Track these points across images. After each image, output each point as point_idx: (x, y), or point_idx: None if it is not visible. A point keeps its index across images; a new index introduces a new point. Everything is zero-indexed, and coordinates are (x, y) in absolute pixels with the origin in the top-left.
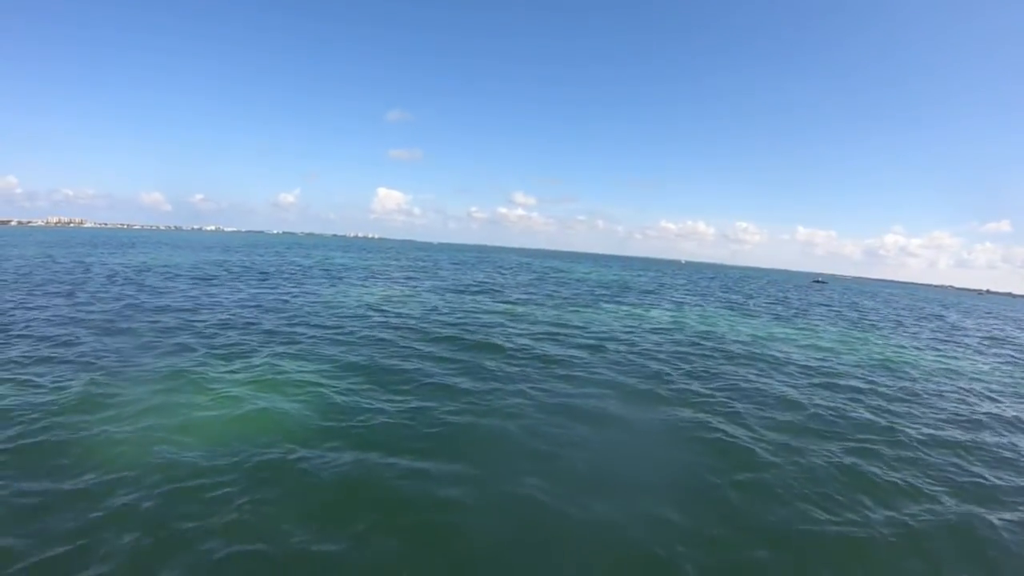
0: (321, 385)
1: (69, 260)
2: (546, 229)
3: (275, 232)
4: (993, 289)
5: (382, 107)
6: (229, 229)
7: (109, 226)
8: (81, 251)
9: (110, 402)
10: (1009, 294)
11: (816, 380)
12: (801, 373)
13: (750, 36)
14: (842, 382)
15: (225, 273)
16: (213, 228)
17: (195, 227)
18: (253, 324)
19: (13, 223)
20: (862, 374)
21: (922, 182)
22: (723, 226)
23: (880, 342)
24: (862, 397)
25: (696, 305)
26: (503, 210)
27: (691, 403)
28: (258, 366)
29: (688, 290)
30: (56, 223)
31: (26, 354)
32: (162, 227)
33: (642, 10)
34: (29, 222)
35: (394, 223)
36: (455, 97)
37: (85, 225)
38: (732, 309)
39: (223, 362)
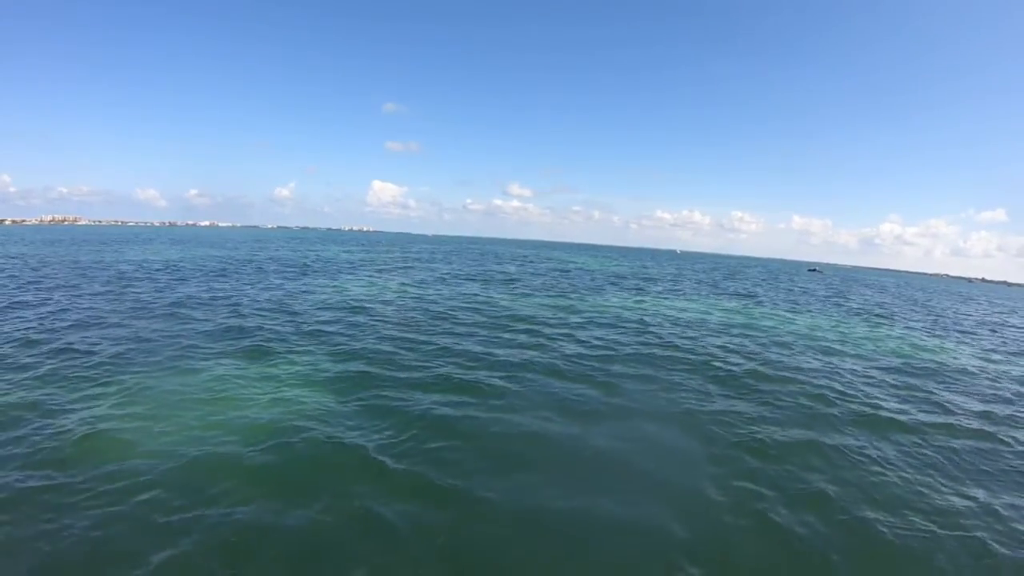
0: (370, 375)
1: (89, 259)
2: (542, 220)
3: (270, 227)
4: (988, 277)
5: (378, 100)
6: (224, 224)
7: (104, 223)
8: (86, 249)
9: (156, 395)
10: (1004, 282)
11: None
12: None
13: (747, 25)
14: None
15: (244, 268)
16: (208, 223)
17: (190, 223)
18: (277, 319)
19: (7, 222)
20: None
21: (918, 171)
22: (719, 215)
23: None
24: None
25: (698, 294)
26: (499, 202)
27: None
28: (299, 358)
29: (689, 279)
30: (51, 221)
31: (74, 348)
32: (156, 223)
33: None
34: (24, 220)
35: (389, 216)
36: (451, 89)
37: (80, 223)
38: (740, 296)
39: (256, 356)
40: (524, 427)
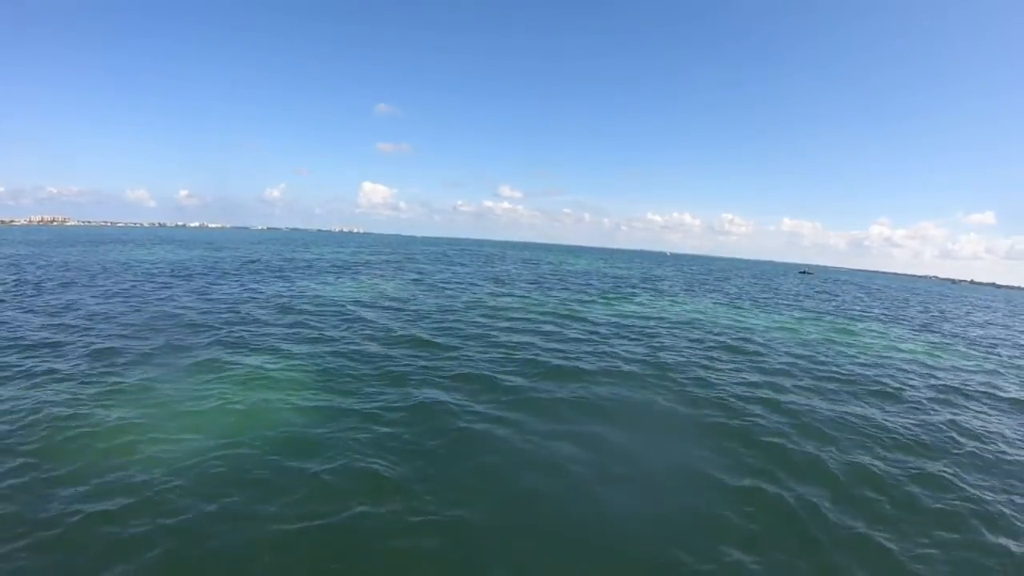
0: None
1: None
2: (532, 222)
3: (260, 228)
4: (977, 279)
5: (370, 101)
6: (213, 225)
7: (94, 224)
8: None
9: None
10: (993, 284)
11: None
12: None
13: (735, 27)
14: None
15: (254, 269)
16: (197, 224)
17: (179, 223)
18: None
19: None
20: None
21: (908, 173)
22: (709, 218)
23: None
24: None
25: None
26: (489, 203)
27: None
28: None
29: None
30: (40, 221)
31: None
32: (146, 224)
33: (629, 2)
34: (12, 221)
35: (380, 217)
36: (443, 91)
37: (69, 223)
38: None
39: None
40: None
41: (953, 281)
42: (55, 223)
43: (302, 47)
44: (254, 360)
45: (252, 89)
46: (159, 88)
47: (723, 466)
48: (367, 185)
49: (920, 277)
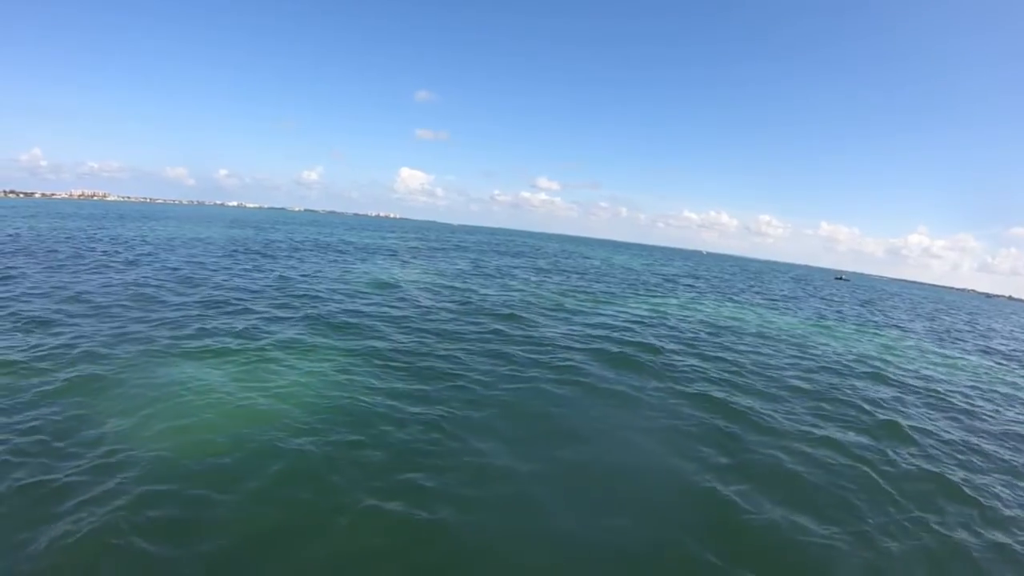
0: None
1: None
2: (568, 215)
3: (297, 209)
4: (1015, 295)
5: (410, 87)
6: (251, 205)
7: (133, 200)
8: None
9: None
10: None
11: None
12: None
13: (778, 27)
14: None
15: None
16: (235, 204)
17: (217, 202)
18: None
19: (37, 195)
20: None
21: (948, 183)
22: (746, 218)
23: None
24: None
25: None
26: (526, 194)
27: None
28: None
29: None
30: (80, 196)
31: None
32: (184, 201)
33: None
34: (53, 194)
35: (416, 204)
36: (483, 79)
37: (109, 198)
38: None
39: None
40: None
41: (988, 295)
42: (95, 197)
43: (343, 29)
44: (328, 333)
45: (294, 71)
46: (200, 67)
47: None
48: (405, 171)
49: (959, 290)
